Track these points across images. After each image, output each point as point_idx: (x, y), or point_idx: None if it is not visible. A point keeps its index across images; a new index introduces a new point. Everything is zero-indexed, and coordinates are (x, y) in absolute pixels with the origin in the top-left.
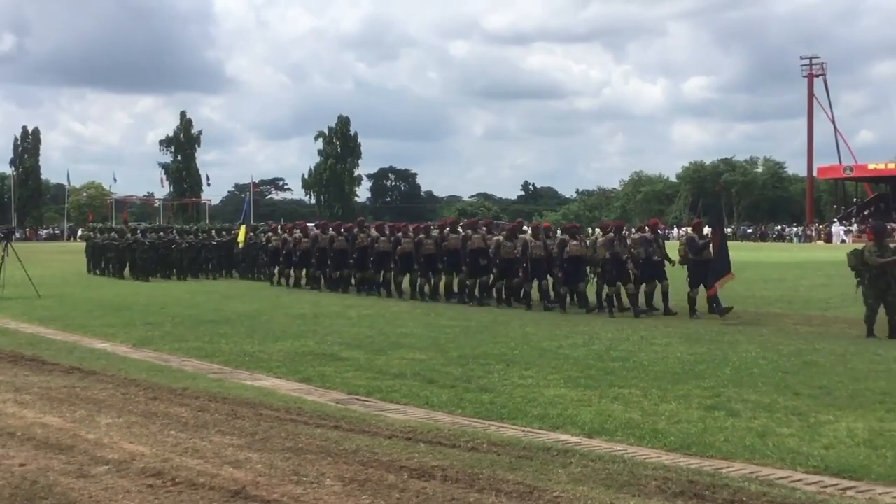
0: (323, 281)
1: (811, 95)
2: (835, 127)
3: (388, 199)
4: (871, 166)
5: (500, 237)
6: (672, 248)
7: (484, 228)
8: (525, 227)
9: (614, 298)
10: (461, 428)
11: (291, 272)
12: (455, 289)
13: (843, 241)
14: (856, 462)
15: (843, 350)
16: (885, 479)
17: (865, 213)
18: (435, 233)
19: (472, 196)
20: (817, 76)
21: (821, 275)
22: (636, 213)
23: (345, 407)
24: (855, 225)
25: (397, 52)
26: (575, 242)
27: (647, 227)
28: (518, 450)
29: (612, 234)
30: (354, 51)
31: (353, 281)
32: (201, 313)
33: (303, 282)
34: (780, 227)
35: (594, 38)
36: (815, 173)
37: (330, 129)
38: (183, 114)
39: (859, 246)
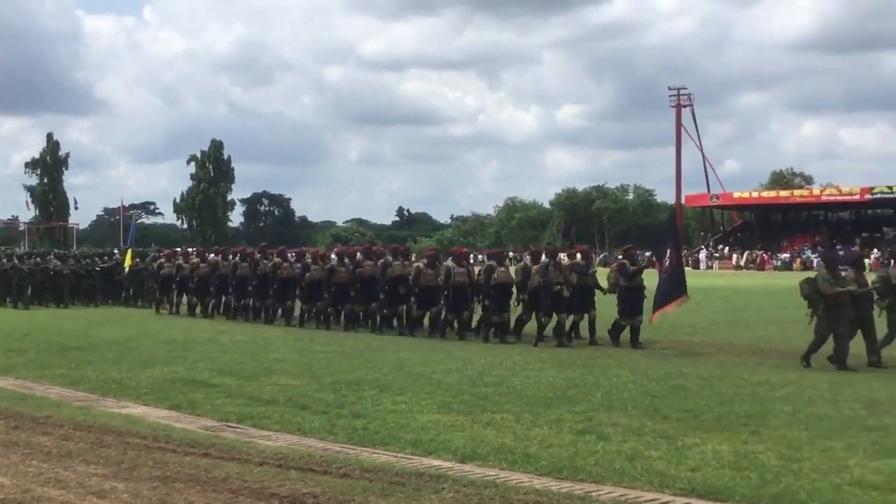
0: (221, 309)
1: (679, 125)
2: (703, 156)
3: (262, 224)
4: (736, 195)
5: (420, 264)
6: (602, 276)
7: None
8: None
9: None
10: (333, 454)
11: (183, 299)
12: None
13: (710, 268)
14: (721, 483)
15: (709, 374)
16: (749, 499)
17: (731, 240)
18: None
19: (347, 221)
20: (685, 106)
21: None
22: (510, 239)
23: (215, 434)
24: (727, 251)
25: (272, 76)
26: (502, 269)
27: (578, 254)
28: (390, 476)
29: (546, 260)
30: (228, 74)
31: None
32: (67, 339)
33: (197, 309)
34: (649, 253)
35: (469, 65)
36: (683, 201)
37: (203, 152)
38: (50, 135)
39: (812, 274)
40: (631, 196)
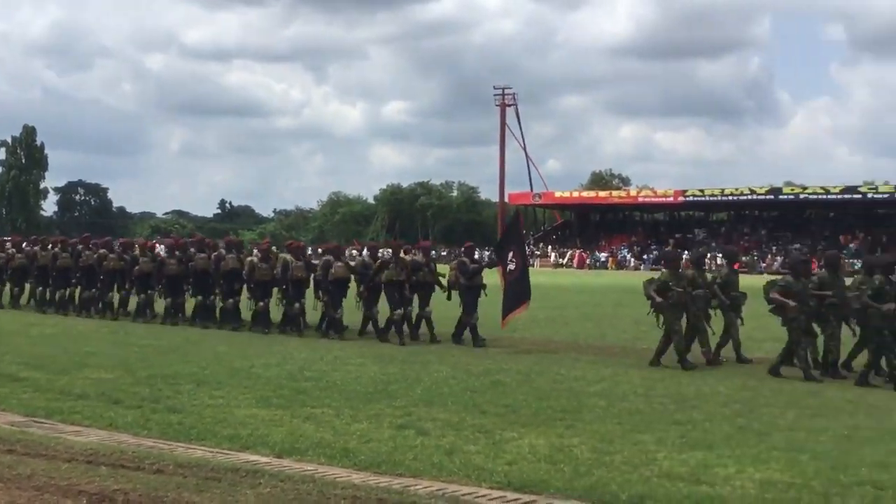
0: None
1: (503, 124)
2: (526, 155)
3: (77, 213)
4: (557, 194)
5: (255, 258)
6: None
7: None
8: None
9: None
10: (146, 450)
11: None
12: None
13: (531, 266)
14: (536, 477)
15: (528, 369)
16: (563, 492)
17: (553, 238)
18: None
19: (167, 213)
20: (509, 106)
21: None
22: (334, 234)
23: (21, 430)
24: (549, 249)
25: (90, 61)
26: (340, 264)
27: (419, 249)
28: (206, 471)
29: (388, 256)
30: (43, 58)
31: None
32: None
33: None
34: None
35: (295, 57)
36: (506, 199)
37: (14, 138)
38: None
39: (656, 274)
40: (455, 193)
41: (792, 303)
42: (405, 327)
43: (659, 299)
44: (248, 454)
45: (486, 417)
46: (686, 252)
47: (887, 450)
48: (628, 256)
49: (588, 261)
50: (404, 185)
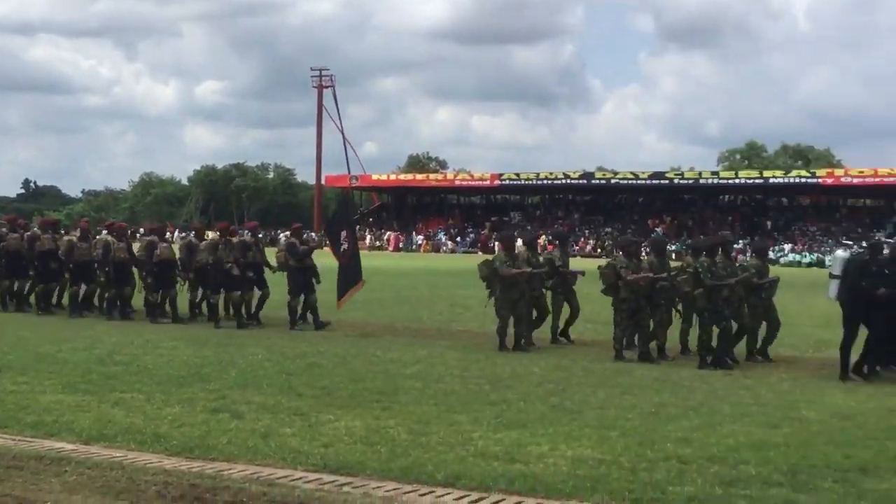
0: None
1: (321, 106)
2: (343, 137)
3: None
4: (375, 176)
5: (74, 237)
6: (270, 254)
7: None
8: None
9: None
10: None
11: None
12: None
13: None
14: (353, 458)
15: (345, 352)
16: (380, 473)
17: (370, 220)
18: None
19: None
20: (327, 87)
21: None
22: (145, 215)
23: None
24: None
25: None
26: (164, 245)
27: (247, 231)
28: (7, 459)
29: (216, 238)
30: None
31: None
32: None
33: None
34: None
35: (104, 33)
36: (323, 181)
37: None
38: None
39: (476, 258)
40: (271, 175)
41: (655, 275)
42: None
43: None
44: (53, 441)
45: (302, 400)
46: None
47: (691, 426)
48: (444, 239)
49: (401, 244)
50: (219, 166)
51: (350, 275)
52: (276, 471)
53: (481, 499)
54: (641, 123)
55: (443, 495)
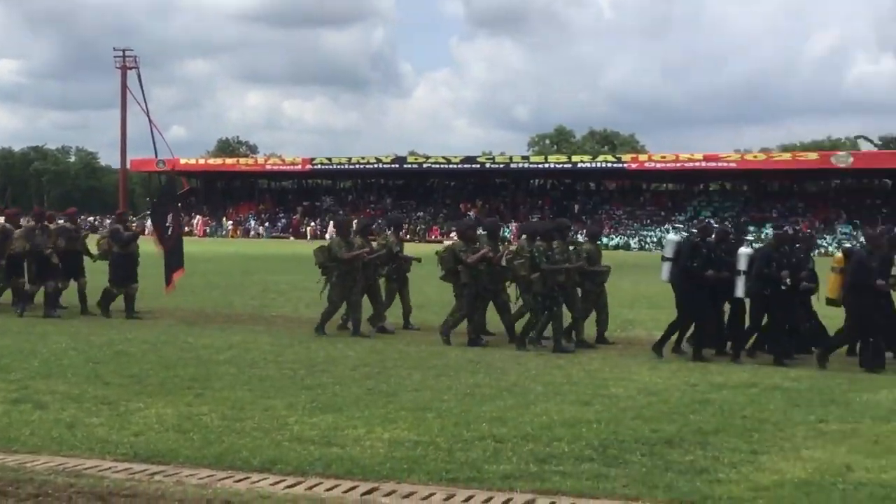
0: None
1: (125, 88)
2: (149, 120)
3: None
4: (183, 161)
5: None
6: (92, 242)
7: None
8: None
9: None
10: None
11: None
12: None
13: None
14: (165, 447)
15: (155, 339)
16: (193, 460)
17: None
18: None
19: None
20: (131, 69)
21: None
22: None
23: None
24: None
25: None
26: None
27: (65, 216)
28: None
29: (32, 224)
30: None
31: None
32: None
33: None
34: (93, 218)
35: None
36: (128, 166)
37: None
38: None
39: (325, 242)
40: (73, 159)
41: (519, 260)
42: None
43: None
44: None
45: (110, 389)
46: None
47: (505, 405)
48: (255, 224)
49: (208, 229)
50: (16, 149)
51: (175, 258)
52: (84, 461)
53: (298, 483)
54: (453, 108)
55: (258, 481)
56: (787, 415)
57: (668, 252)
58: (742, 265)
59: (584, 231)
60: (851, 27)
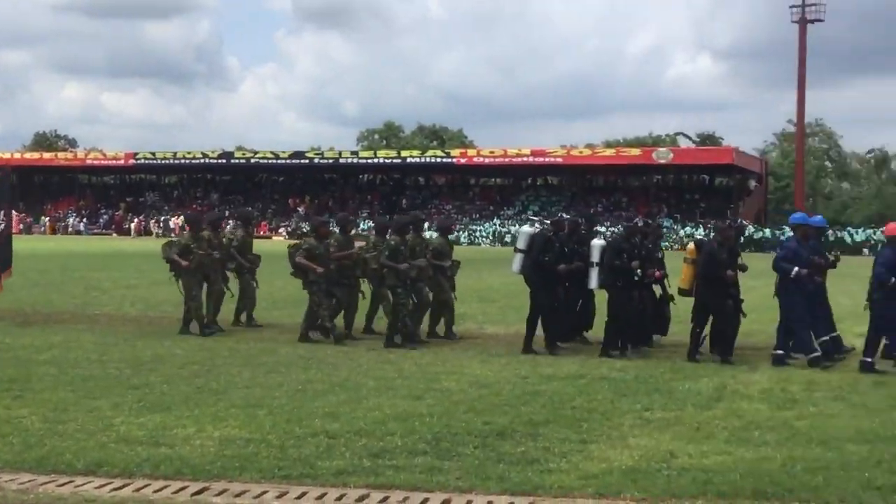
0: None
1: None
2: None
3: None
4: None
5: None
6: None
7: None
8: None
9: None
10: None
11: None
12: None
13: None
14: None
15: None
16: (12, 465)
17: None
18: None
19: None
20: None
21: None
22: None
23: None
24: None
25: None
26: None
27: None
28: None
29: None
30: None
31: None
32: None
33: None
34: None
35: None
36: None
37: None
38: None
39: (172, 238)
40: None
41: (319, 268)
42: None
43: (185, 263)
44: None
45: None
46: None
47: (337, 401)
48: (75, 220)
49: (22, 225)
50: None
51: (5, 255)
52: None
53: (125, 485)
54: (280, 103)
55: (83, 484)
56: (615, 404)
57: (522, 244)
58: (595, 257)
59: (434, 225)
60: (671, 27)
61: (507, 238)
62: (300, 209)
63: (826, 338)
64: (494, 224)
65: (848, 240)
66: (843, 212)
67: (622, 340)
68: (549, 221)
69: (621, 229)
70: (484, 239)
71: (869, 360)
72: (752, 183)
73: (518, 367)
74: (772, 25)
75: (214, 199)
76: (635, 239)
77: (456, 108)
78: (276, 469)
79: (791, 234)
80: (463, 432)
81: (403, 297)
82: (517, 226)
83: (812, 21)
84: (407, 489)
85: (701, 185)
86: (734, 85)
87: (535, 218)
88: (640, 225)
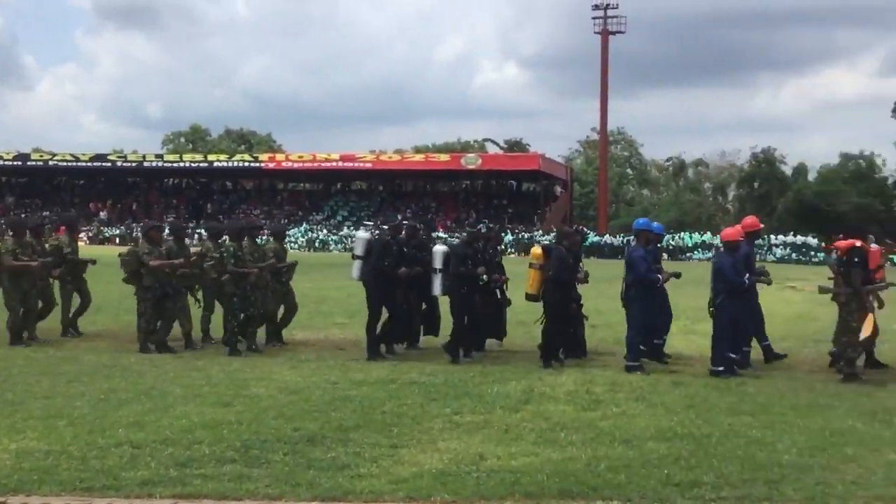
0: None
1: None
2: None
3: None
4: None
5: None
6: None
7: None
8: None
9: None
10: None
11: None
12: None
13: None
14: None
15: None
16: None
17: None
18: None
19: None
20: None
21: None
22: None
23: None
24: None
25: None
26: None
27: None
28: None
29: None
30: None
31: None
32: None
33: None
34: None
35: None
36: None
37: None
38: None
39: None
40: None
41: (177, 261)
42: None
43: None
44: None
45: None
46: None
47: (142, 409)
48: None
49: None
50: None
51: None
52: None
53: None
54: (80, 103)
55: None
56: (425, 408)
57: (359, 250)
58: (438, 263)
59: (269, 230)
60: (478, 35)
61: (318, 244)
62: (102, 213)
63: (659, 341)
64: (303, 228)
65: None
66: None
67: (465, 344)
68: (386, 226)
69: (464, 235)
70: (293, 244)
71: (720, 368)
72: (558, 189)
73: (328, 373)
74: (576, 36)
75: (10, 203)
76: (478, 244)
77: (264, 112)
78: (77, 481)
79: (634, 240)
80: (272, 439)
81: (238, 306)
82: (325, 231)
83: (614, 33)
84: (215, 498)
85: (508, 190)
86: (540, 93)
87: (369, 223)
88: (483, 231)
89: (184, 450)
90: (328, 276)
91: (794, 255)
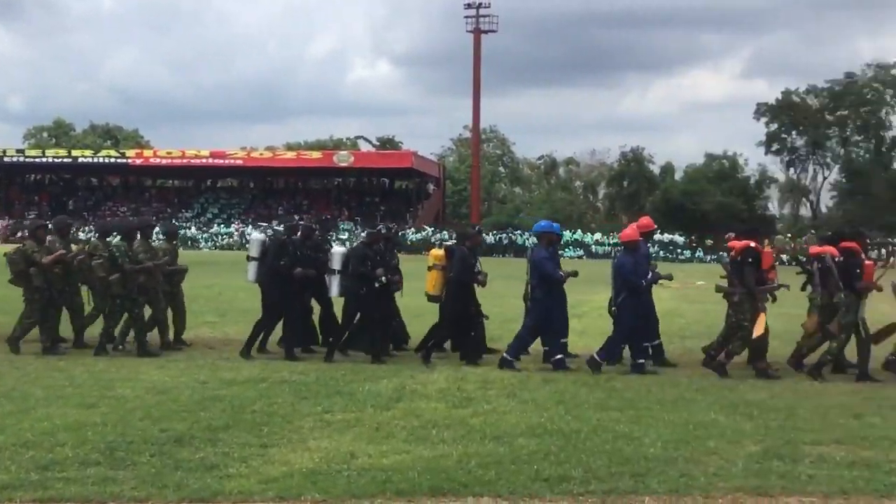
0: None
1: None
2: None
3: None
4: None
5: None
6: None
7: None
8: None
9: None
10: None
11: None
12: None
13: None
14: None
15: None
16: None
17: None
18: None
19: None
20: None
21: None
22: None
23: None
24: None
25: None
26: None
27: None
28: None
29: None
30: None
31: None
32: None
33: None
34: None
35: None
36: None
37: None
38: None
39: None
40: None
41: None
42: None
43: None
44: None
45: None
46: None
47: (3, 412)
48: None
49: None
50: None
51: None
52: None
53: None
54: None
55: None
56: (295, 407)
57: (254, 251)
58: (336, 264)
59: (160, 229)
60: (349, 32)
61: (189, 243)
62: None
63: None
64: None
65: (520, 241)
66: (516, 215)
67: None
68: (281, 226)
69: (364, 236)
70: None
71: (640, 361)
72: (431, 186)
73: (197, 372)
74: (448, 35)
75: None
76: (378, 245)
77: (131, 108)
78: None
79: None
80: (139, 440)
81: (122, 308)
82: (194, 228)
83: (486, 32)
84: (78, 502)
85: (381, 188)
86: (413, 91)
87: (263, 224)
88: (383, 232)
89: (45, 452)
90: (198, 274)
91: (661, 253)
